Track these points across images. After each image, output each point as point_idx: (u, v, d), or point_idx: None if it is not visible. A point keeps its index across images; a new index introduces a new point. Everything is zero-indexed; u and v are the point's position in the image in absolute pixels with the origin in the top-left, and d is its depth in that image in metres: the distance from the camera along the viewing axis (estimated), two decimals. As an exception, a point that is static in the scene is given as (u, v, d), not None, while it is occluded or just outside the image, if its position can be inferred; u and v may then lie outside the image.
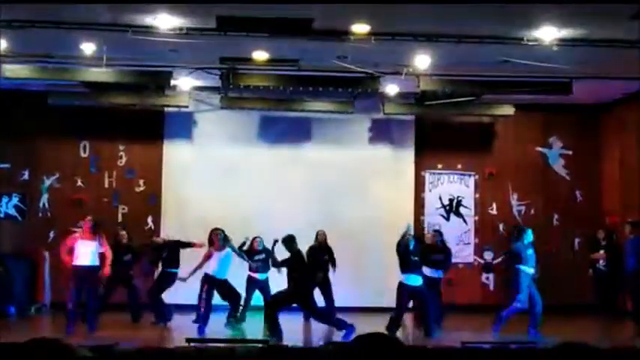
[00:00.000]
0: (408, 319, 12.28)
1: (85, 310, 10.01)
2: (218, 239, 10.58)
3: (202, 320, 10.18)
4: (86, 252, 9.85)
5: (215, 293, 10.62)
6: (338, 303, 11.83)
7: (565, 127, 14.15)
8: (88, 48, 9.88)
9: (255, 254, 11.48)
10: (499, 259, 13.39)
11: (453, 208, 13.99)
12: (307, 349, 8.37)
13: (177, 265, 11.19)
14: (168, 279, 11.15)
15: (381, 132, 13.76)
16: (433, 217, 13.87)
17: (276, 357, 7.19)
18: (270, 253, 10.71)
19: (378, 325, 10.47)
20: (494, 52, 9.95)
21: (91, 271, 9.87)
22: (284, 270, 10.21)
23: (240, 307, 11.24)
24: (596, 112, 13.93)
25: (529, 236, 10.29)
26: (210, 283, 10.44)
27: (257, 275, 11.54)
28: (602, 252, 12.80)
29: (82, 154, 13.46)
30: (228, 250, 10.67)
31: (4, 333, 9.04)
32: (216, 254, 10.58)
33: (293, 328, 11.23)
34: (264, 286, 11.50)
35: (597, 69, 10.76)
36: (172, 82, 11.65)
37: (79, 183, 13.38)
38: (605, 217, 13.66)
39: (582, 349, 2.42)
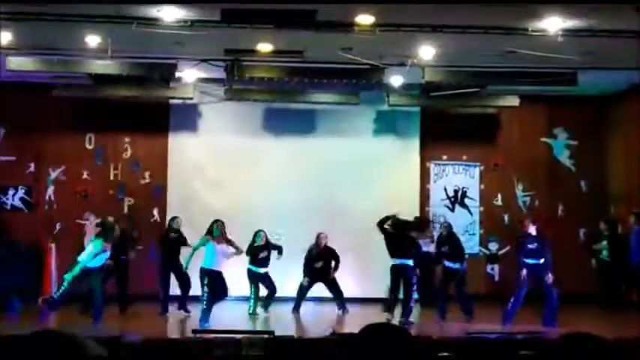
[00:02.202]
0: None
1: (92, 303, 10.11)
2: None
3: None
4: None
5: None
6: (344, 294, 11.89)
7: (570, 118, 14.11)
8: (92, 40, 9.89)
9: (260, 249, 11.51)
10: (504, 250, 13.42)
11: (458, 199, 13.99)
12: (313, 339, 8.39)
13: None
14: None
15: (386, 123, 13.74)
16: (438, 209, 13.87)
17: (282, 347, 7.22)
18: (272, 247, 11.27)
19: (382, 315, 10.53)
20: (500, 42, 9.92)
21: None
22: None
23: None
24: (602, 103, 13.88)
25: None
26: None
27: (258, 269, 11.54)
28: (604, 242, 12.79)
29: (88, 147, 13.49)
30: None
31: (10, 325, 9.09)
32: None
33: (298, 318, 11.30)
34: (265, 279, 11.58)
35: (603, 60, 10.72)
36: (177, 74, 11.65)
37: (85, 175, 13.41)
38: (610, 207, 13.65)
39: (587, 339, 2.42)
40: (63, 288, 9.81)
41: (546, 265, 10.28)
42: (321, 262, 11.78)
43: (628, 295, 12.49)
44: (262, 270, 11.50)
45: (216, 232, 10.41)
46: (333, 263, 11.79)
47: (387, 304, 10.70)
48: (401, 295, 10.56)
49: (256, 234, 11.50)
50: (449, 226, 11.74)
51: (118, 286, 11.33)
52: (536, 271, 10.26)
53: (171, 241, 11.44)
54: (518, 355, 3.16)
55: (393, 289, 10.61)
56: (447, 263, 11.23)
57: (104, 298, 10.26)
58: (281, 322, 10.65)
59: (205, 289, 10.10)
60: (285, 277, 11.95)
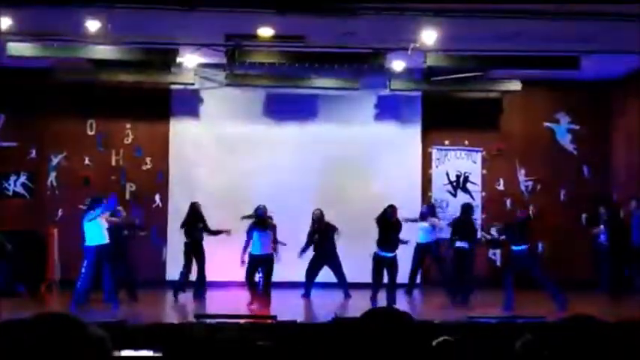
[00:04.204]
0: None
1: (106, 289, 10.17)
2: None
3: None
4: (97, 231, 10.09)
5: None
6: (347, 279, 11.91)
7: (573, 102, 14.06)
8: (93, 25, 9.84)
9: None
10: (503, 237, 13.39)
11: (460, 184, 13.97)
12: (315, 324, 8.43)
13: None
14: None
15: (388, 108, 13.71)
16: (440, 194, 13.86)
17: (285, 332, 7.24)
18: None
19: (385, 300, 10.58)
20: (502, 26, 9.87)
21: (106, 248, 10.06)
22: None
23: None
24: (604, 87, 13.81)
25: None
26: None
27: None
28: (601, 227, 12.78)
29: (89, 132, 13.47)
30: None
31: (14, 310, 9.11)
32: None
33: (301, 303, 11.34)
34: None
35: (605, 44, 10.67)
36: (178, 60, 11.63)
37: (87, 161, 13.40)
38: (612, 192, 13.63)
39: (589, 322, 2.42)
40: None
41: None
42: (316, 235, 11.84)
43: (631, 279, 12.49)
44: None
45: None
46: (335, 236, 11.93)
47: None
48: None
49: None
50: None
51: (125, 272, 11.30)
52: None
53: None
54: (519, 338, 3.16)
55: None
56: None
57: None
58: (283, 307, 10.67)
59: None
60: (287, 262, 11.95)
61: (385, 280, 10.92)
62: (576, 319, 2.38)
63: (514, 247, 10.54)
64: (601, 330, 2.33)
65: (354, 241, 12.09)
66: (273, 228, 11.31)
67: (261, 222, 11.12)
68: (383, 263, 10.89)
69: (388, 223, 10.88)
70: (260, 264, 11.13)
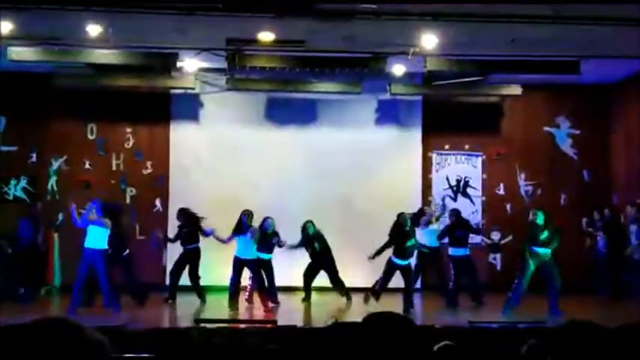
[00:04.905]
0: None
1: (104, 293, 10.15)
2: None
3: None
4: (96, 234, 10.05)
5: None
6: (347, 284, 11.89)
7: (573, 106, 14.06)
8: (93, 30, 9.86)
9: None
10: (506, 240, 13.35)
11: (460, 188, 13.96)
12: (315, 328, 8.42)
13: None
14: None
15: (388, 113, 13.71)
16: (440, 198, 13.84)
17: (284, 337, 7.23)
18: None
19: (385, 304, 10.56)
20: (502, 31, 9.88)
21: (100, 253, 10.01)
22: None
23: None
24: (605, 92, 13.82)
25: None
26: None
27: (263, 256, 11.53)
28: (599, 232, 12.76)
29: (90, 137, 13.48)
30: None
31: (14, 315, 9.11)
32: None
33: (301, 308, 11.32)
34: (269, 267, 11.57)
35: (605, 48, 10.67)
36: (178, 64, 11.63)
37: (87, 165, 13.40)
38: (612, 197, 13.63)
39: (589, 327, 2.42)
40: None
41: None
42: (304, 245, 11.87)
43: (629, 284, 12.48)
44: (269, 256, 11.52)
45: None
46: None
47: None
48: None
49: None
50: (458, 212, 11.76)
51: (126, 276, 11.27)
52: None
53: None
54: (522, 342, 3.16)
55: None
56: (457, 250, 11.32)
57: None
58: (284, 311, 10.67)
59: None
60: (288, 266, 11.95)
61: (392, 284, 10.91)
62: (576, 325, 2.38)
63: (540, 250, 10.42)
64: (601, 335, 2.33)
65: (353, 244, 12.08)
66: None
67: (240, 228, 11.12)
68: (395, 269, 10.79)
69: (403, 232, 10.74)
70: (243, 267, 11.11)
